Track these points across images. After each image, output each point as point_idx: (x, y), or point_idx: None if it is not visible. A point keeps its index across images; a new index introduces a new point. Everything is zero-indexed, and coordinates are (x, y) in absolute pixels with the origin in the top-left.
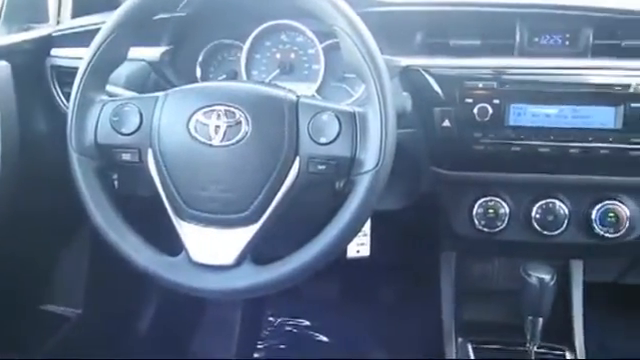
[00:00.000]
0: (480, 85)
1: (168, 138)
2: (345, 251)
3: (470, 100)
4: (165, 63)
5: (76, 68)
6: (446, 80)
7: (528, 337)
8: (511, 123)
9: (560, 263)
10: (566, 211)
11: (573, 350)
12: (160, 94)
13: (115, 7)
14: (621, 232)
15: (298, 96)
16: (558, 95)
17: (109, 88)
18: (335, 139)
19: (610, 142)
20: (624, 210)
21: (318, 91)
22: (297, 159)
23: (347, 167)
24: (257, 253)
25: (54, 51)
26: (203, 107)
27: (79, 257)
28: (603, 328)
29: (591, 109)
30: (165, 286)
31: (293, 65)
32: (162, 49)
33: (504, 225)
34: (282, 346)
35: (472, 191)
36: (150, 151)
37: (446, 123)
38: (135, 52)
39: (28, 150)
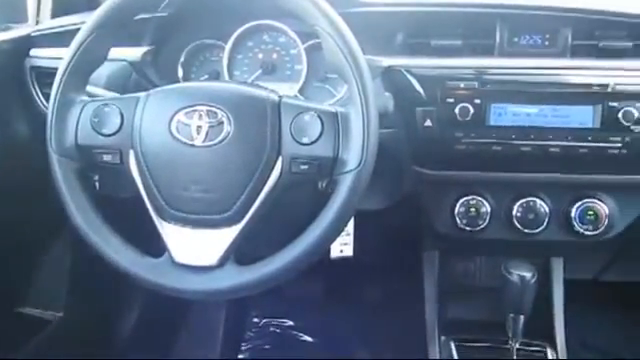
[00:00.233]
0: (461, 85)
1: (150, 139)
2: (328, 251)
3: (451, 100)
4: (146, 63)
5: (56, 68)
6: (428, 80)
7: (510, 334)
8: (492, 123)
9: (541, 261)
10: (546, 209)
11: (554, 347)
12: (141, 94)
13: (95, 7)
14: (600, 230)
15: (280, 96)
16: (538, 95)
17: (89, 89)
18: (317, 139)
19: (589, 141)
20: (603, 208)
21: (301, 91)
22: (280, 159)
23: (329, 167)
24: (240, 253)
25: (33, 51)
26: (185, 107)
27: (60, 259)
28: (584, 325)
29: (570, 108)
30: (148, 288)
31: (275, 65)
32: (143, 49)
33: (486, 224)
34: (266, 347)
35: (454, 190)
36: (131, 152)
37: (428, 123)
38: (116, 52)
39: (8, 152)
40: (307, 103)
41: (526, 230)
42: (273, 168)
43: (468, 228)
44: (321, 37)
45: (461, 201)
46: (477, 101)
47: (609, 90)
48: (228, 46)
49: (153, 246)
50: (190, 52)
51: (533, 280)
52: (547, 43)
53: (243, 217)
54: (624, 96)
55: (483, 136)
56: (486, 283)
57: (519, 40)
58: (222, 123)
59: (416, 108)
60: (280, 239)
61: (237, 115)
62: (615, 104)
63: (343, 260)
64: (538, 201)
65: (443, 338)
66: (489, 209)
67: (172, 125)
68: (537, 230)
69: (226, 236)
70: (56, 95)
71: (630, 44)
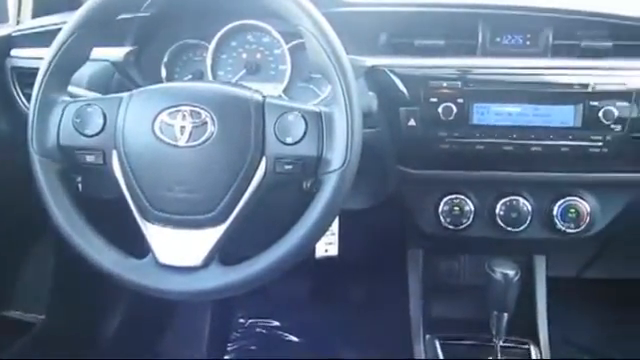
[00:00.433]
0: (444, 85)
1: (133, 139)
2: (313, 251)
3: (435, 99)
4: (129, 63)
5: (37, 69)
6: (411, 80)
7: (494, 332)
8: (475, 122)
9: (524, 259)
10: (529, 208)
11: (537, 344)
12: (124, 95)
13: (77, 7)
14: (582, 227)
15: (264, 96)
16: (520, 94)
17: (71, 89)
18: (301, 139)
19: (570, 140)
20: (584, 206)
21: (285, 91)
22: (264, 159)
23: (314, 167)
24: (225, 254)
25: (14, 51)
26: (168, 107)
27: (43, 262)
28: (567, 322)
29: (552, 108)
30: (132, 289)
31: (259, 65)
32: (126, 49)
33: (469, 222)
34: (252, 347)
35: (438, 189)
36: (114, 153)
37: (412, 122)
38: (98, 52)
39: None
40: (291, 103)
41: (509, 228)
42: (257, 168)
43: (452, 227)
44: (304, 37)
45: (445, 200)
46: (460, 100)
47: (590, 90)
48: (212, 46)
49: (137, 247)
50: (173, 52)
51: (516, 278)
52: (529, 43)
53: (227, 217)
54: (604, 95)
55: (466, 135)
56: (470, 281)
57: (501, 40)
58: (206, 123)
59: (400, 108)
60: (265, 239)
61: (221, 115)
62: (596, 103)
63: (328, 260)
64: (521, 199)
65: (428, 336)
66: (472, 208)
67: (155, 125)
68: (520, 228)
69: (210, 236)
70: (37, 95)
71: (610, 44)
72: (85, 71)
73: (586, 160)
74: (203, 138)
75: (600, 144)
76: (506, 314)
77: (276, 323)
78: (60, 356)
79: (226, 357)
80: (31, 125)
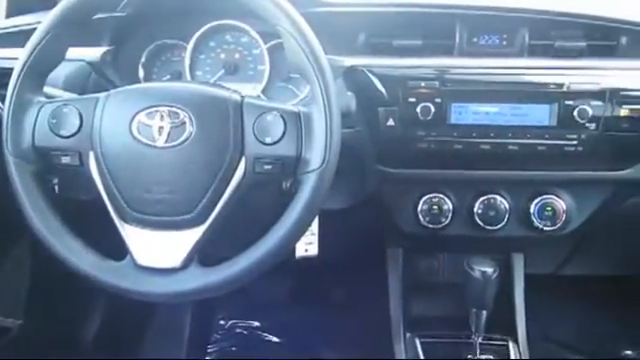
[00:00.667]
0: (422, 84)
1: (110, 140)
2: (293, 251)
3: (413, 99)
4: (106, 64)
5: (11, 69)
6: (389, 80)
7: (473, 329)
8: (453, 121)
9: (502, 257)
10: (507, 206)
11: (516, 340)
12: (101, 95)
13: (51, 7)
14: (558, 225)
15: (243, 96)
16: (497, 94)
17: (47, 89)
18: (280, 139)
19: (546, 139)
20: (560, 204)
21: (264, 91)
22: (243, 159)
23: (293, 166)
24: (204, 255)
25: None
26: (146, 108)
27: (19, 265)
28: (545, 318)
29: (528, 107)
30: (110, 292)
31: (238, 65)
32: (103, 49)
33: (448, 221)
34: (233, 348)
35: (417, 188)
36: (91, 154)
37: (390, 122)
38: (74, 52)
39: None
40: (269, 103)
41: (487, 227)
42: (236, 168)
43: (431, 225)
44: (283, 37)
45: (424, 199)
46: (438, 100)
47: (565, 89)
48: (190, 46)
49: (115, 249)
50: (151, 52)
51: (494, 275)
52: (505, 43)
53: (207, 218)
54: (579, 95)
55: (444, 135)
56: (449, 279)
57: (478, 40)
58: (184, 124)
59: (378, 108)
60: (245, 240)
61: (199, 115)
62: (571, 102)
63: (308, 260)
64: (498, 198)
65: (408, 335)
66: (451, 207)
67: (133, 126)
68: (498, 226)
69: (190, 237)
70: (12, 96)
71: (584, 44)
72: (61, 71)
73: (562, 158)
74: (181, 138)
75: (575, 143)
76: (485, 311)
77: (257, 324)
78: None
79: (207, 358)
80: (5, 126)
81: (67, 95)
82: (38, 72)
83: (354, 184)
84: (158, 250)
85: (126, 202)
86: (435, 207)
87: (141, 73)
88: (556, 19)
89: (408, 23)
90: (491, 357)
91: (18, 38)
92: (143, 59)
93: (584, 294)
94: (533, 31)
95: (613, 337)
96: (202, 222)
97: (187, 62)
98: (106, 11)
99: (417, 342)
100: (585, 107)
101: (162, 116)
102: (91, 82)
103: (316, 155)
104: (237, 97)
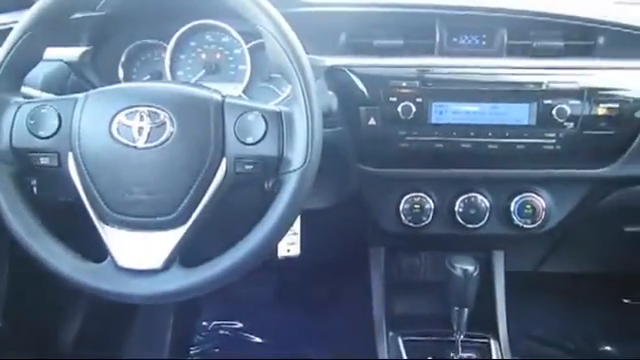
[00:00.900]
0: (403, 84)
1: (89, 141)
2: (276, 251)
3: (394, 99)
4: (85, 64)
5: None
6: (371, 79)
7: (455, 327)
8: (434, 120)
9: (483, 255)
10: (487, 204)
11: (497, 338)
12: (80, 95)
13: (28, 6)
14: (538, 223)
15: (224, 96)
16: (477, 93)
17: (25, 90)
18: (262, 139)
19: (525, 137)
20: (540, 202)
21: (245, 91)
22: (224, 159)
23: (275, 166)
24: (186, 255)
25: None
26: (125, 108)
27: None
28: (525, 315)
29: (507, 106)
30: (91, 294)
31: (219, 65)
32: (82, 49)
33: (429, 220)
34: (216, 350)
35: (398, 187)
36: (70, 155)
37: (372, 121)
38: (52, 52)
39: None
40: (250, 103)
41: (468, 225)
42: (217, 169)
43: (413, 224)
44: (264, 37)
45: (405, 198)
46: (419, 100)
47: (543, 88)
48: (170, 46)
49: (95, 251)
50: (131, 52)
51: (475, 273)
52: (484, 43)
53: (188, 219)
54: (557, 94)
55: (425, 134)
56: (431, 278)
57: (458, 40)
58: (164, 124)
59: (360, 107)
60: (227, 240)
61: (180, 116)
62: (549, 102)
63: (291, 260)
64: (479, 196)
65: (391, 334)
66: (432, 205)
67: (113, 126)
68: (479, 225)
69: (171, 238)
70: None
71: (562, 44)
72: (39, 71)
73: (541, 157)
74: (162, 139)
75: (553, 141)
76: (466, 309)
77: (239, 324)
78: None
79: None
80: None
81: (45, 96)
82: (15, 72)
83: (336, 184)
84: (139, 251)
85: (106, 203)
86: (417, 206)
87: (121, 73)
88: (534, 19)
89: (389, 23)
90: (473, 355)
91: None
92: (123, 59)
93: (564, 291)
94: (512, 31)
95: (593, 334)
96: (183, 223)
97: (167, 62)
98: (84, 10)
99: (399, 341)
100: (563, 106)
101: (142, 116)
102: (70, 82)
103: (298, 155)
104: (218, 97)
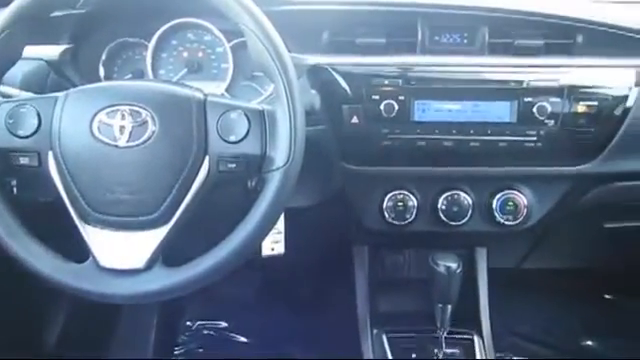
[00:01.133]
0: (385, 82)
1: (70, 140)
2: (260, 249)
3: (377, 97)
4: (65, 62)
5: None
6: (353, 78)
7: (438, 324)
8: (416, 118)
9: (466, 252)
10: (470, 201)
11: (480, 334)
12: (60, 94)
13: (7, 4)
14: (519, 219)
15: (206, 94)
16: (459, 91)
17: (3, 89)
18: (244, 137)
19: (507, 135)
20: (522, 199)
21: (228, 90)
22: (207, 158)
23: (258, 165)
24: (169, 255)
25: None
26: (106, 107)
27: None
28: (508, 311)
29: (489, 104)
30: (73, 294)
31: (201, 64)
32: (62, 47)
33: (413, 217)
34: (200, 350)
35: (382, 185)
36: (50, 154)
37: (354, 120)
38: (32, 51)
39: None
40: (233, 101)
41: (451, 222)
42: (200, 167)
43: (396, 222)
44: (246, 35)
45: (389, 196)
46: (401, 98)
47: (524, 86)
48: (152, 44)
49: (77, 251)
50: (112, 50)
51: (458, 270)
52: (466, 41)
53: (170, 218)
54: (538, 92)
55: (408, 132)
56: (415, 275)
57: (440, 38)
58: (146, 123)
59: (342, 105)
60: (210, 239)
61: (162, 114)
62: (530, 99)
63: (275, 258)
64: (462, 194)
65: (375, 331)
66: (416, 203)
67: (93, 125)
68: (461, 222)
69: (153, 238)
70: None
71: (542, 42)
72: (18, 70)
73: (522, 154)
74: (144, 138)
75: (534, 139)
76: (450, 306)
77: (224, 324)
78: None
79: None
80: None
81: (25, 94)
82: None
83: (319, 182)
84: (121, 251)
85: (87, 203)
86: (400, 204)
87: (102, 72)
88: (515, 18)
89: (371, 21)
90: (456, 351)
91: None
92: (104, 57)
93: (546, 288)
94: (493, 30)
95: (575, 329)
96: (166, 222)
97: (149, 60)
98: (64, 8)
99: (384, 338)
100: (544, 104)
101: (123, 115)
102: (50, 81)
103: (280, 153)
104: (200, 95)
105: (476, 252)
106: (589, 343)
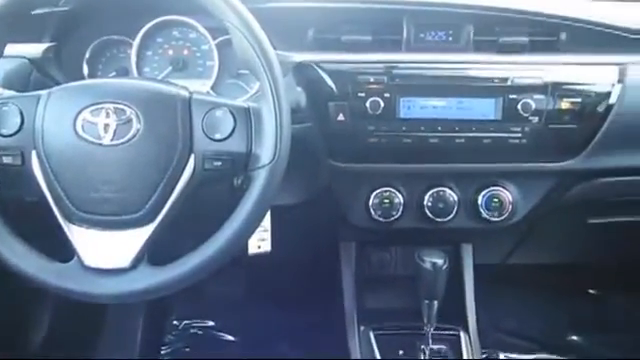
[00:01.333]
0: (371, 79)
1: (53, 139)
2: (246, 247)
3: (362, 94)
4: (48, 60)
5: None
6: (339, 75)
7: (425, 320)
8: (402, 115)
9: (452, 248)
10: (455, 198)
11: (467, 330)
12: (43, 92)
13: None
14: (505, 216)
15: (191, 92)
16: (444, 88)
17: None
18: (230, 135)
19: (491, 132)
20: (507, 195)
21: (213, 88)
22: (192, 156)
23: (243, 163)
24: (155, 253)
25: None
26: (90, 105)
27: None
28: (494, 307)
29: (474, 101)
30: (59, 294)
31: (186, 62)
32: (45, 45)
33: (399, 214)
34: (187, 349)
35: (368, 182)
36: (34, 153)
37: (340, 117)
38: (14, 49)
39: None
40: (218, 99)
41: (437, 219)
42: (185, 165)
43: (382, 219)
44: (231, 33)
45: (375, 193)
46: (387, 95)
47: (509, 83)
48: (136, 42)
49: (62, 251)
50: (96, 48)
51: (445, 266)
52: (451, 39)
53: (156, 216)
54: (522, 89)
55: (394, 129)
56: (401, 272)
57: (425, 36)
58: (131, 121)
59: (328, 103)
60: (196, 238)
61: (146, 112)
62: (514, 96)
63: (261, 256)
64: (447, 190)
65: (362, 328)
66: (402, 200)
67: (77, 124)
68: (447, 218)
69: (138, 236)
70: None
71: (526, 40)
72: (0, 68)
73: (507, 151)
74: (128, 136)
75: (519, 135)
76: (436, 302)
77: (211, 323)
78: None
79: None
80: None
81: (7, 93)
82: None
83: (305, 179)
84: (106, 250)
85: (71, 202)
86: (386, 201)
87: (85, 70)
88: (500, 15)
89: (356, 19)
90: (443, 347)
91: None
92: (87, 55)
93: (532, 283)
94: (478, 27)
95: (560, 324)
96: (151, 221)
97: (133, 58)
98: (47, 6)
99: (371, 335)
100: (528, 101)
101: (108, 113)
102: (32, 80)
103: (266, 151)
104: (185, 93)
105: (462, 248)
106: (574, 338)
